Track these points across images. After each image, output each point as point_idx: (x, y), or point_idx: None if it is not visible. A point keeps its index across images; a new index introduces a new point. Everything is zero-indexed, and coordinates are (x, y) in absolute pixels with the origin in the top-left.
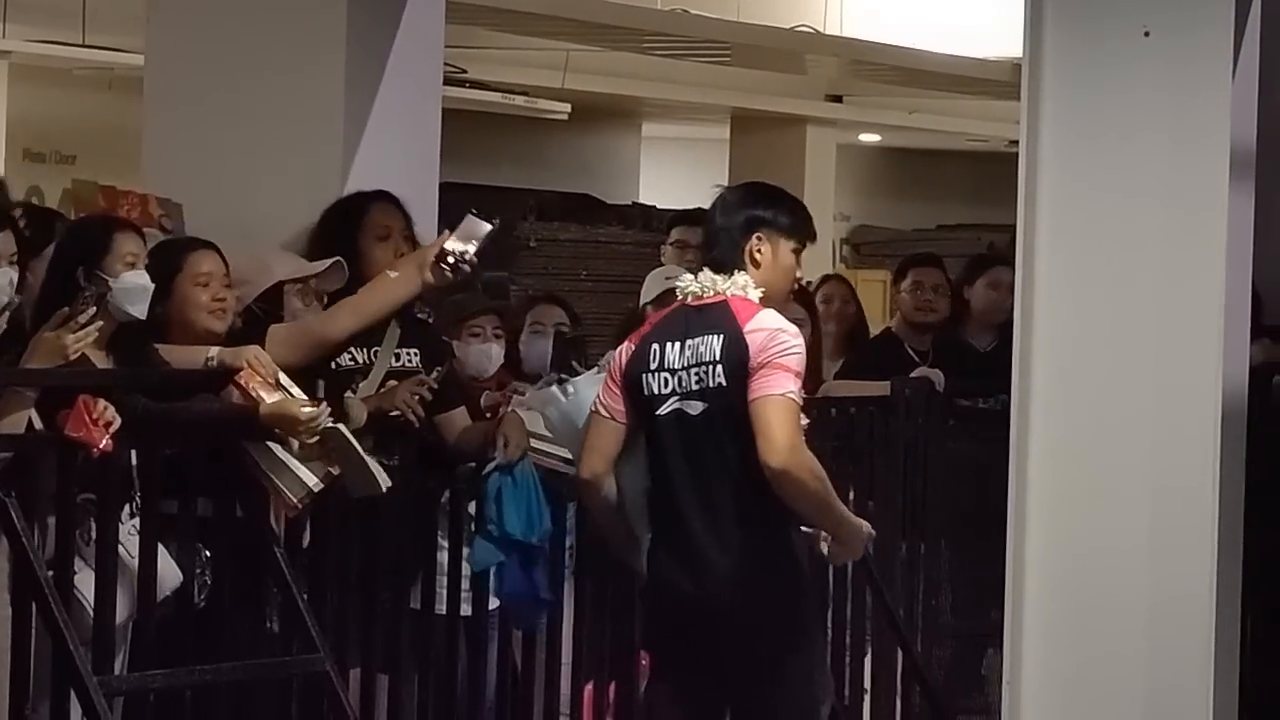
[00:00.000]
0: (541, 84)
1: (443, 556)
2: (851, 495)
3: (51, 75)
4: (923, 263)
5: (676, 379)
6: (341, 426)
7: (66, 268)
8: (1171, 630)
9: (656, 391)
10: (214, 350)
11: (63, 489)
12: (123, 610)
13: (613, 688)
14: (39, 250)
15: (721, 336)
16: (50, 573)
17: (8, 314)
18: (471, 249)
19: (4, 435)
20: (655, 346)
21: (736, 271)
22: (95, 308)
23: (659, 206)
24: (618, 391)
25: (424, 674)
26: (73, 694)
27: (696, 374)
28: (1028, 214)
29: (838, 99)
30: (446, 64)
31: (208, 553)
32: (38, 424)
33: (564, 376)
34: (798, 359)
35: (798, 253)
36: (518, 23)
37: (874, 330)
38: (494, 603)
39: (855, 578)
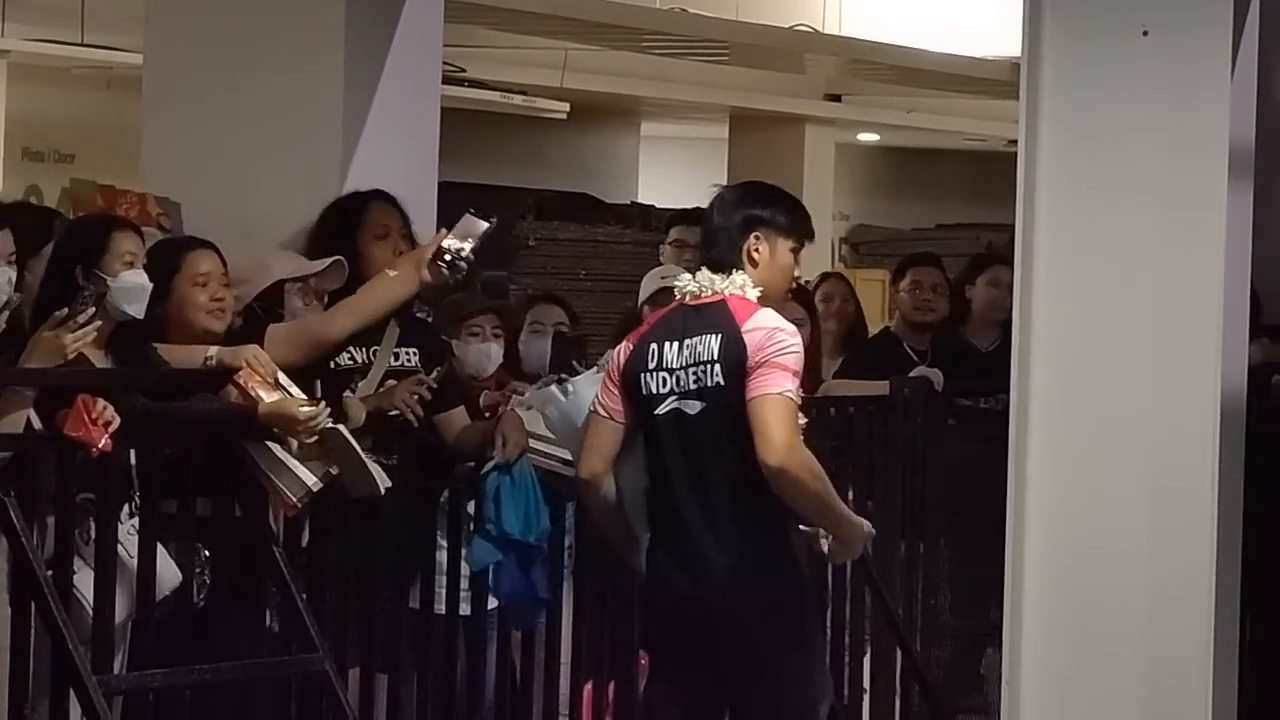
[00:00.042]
0: (540, 83)
1: (442, 556)
2: (850, 495)
3: (50, 74)
4: (921, 262)
5: (675, 378)
6: (342, 427)
7: (65, 266)
8: (1170, 630)
9: (655, 391)
10: (213, 350)
11: (62, 488)
12: (122, 610)
13: (612, 687)
14: (37, 249)
15: (719, 336)
16: (49, 572)
17: (7, 313)
18: (468, 247)
19: (3, 435)
20: (653, 346)
21: (734, 271)
22: (95, 308)
23: (658, 206)
24: (616, 391)
25: (423, 674)
26: (72, 693)
27: (694, 373)
28: (1026, 213)
29: (836, 98)
30: (445, 63)
31: (207, 552)
32: (36, 423)
33: (563, 376)
34: (795, 358)
35: (796, 252)
36: (516, 22)
37: (873, 329)
38: (493, 602)
39: (854, 577)
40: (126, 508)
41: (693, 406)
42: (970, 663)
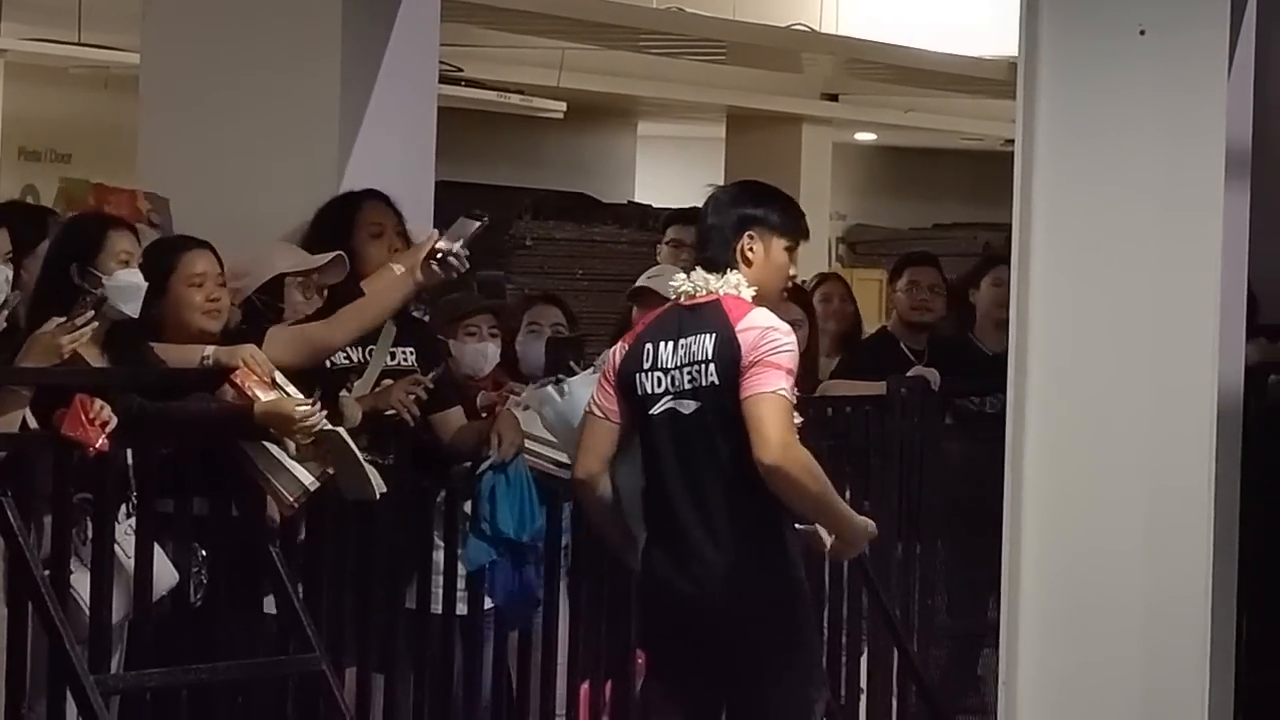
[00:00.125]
0: (537, 82)
1: (438, 556)
2: (848, 494)
3: (47, 74)
4: (919, 262)
5: (670, 378)
6: (341, 430)
7: (61, 265)
8: (1167, 630)
9: (650, 391)
10: (209, 349)
11: (59, 488)
12: (119, 609)
13: (609, 687)
14: (32, 248)
15: (714, 335)
16: (46, 572)
17: (6, 311)
18: (458, 245)
19: (0, 434)
20: (649, 346)
21: (729, 270)
22: (94, 310)
23: (655, 205)
24: (612, 391)
25: (419, 674)
26: (69, 693)
27: (689, 373)
28: (1023, 213)
29: (833, 98)
30: (442, 62)
31: (204, 552)
32: (32, 423)
33: (560, 377)
34: (789, 356)
35: (790, 251)
36: (513, 21)
37: (870, 329)
38: (489, 602)
39: (851, 577)
40: (124, 508)
41: (688, 406)
42: (967, 663)
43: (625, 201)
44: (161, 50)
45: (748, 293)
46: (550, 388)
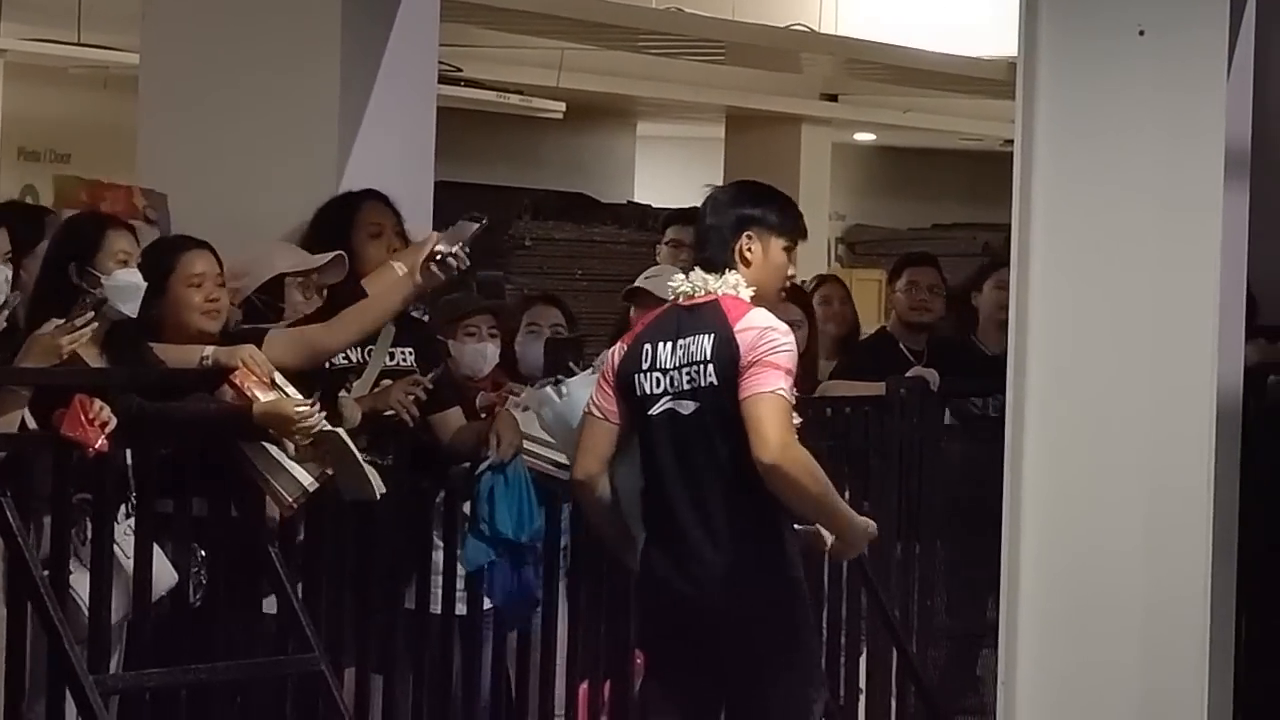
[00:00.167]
0: (536, 83)
1: (438, 556)
2: (847, 495)
3: (46, 74)
4: (918, 262)
5: (669, 379)
6: (340, 431)
7: (59, 265)
8: (1166, 630)
9: (649, 391)
10: (209, 349)
11: (58, 488)
12: (118, 610)
13: (607, 687)
14: (31, 248)
15: (712, 336)
16: (46, 572)
17: (7, 311)
18: (458, 247)
19: (0, 434)
20: (647, 347)
21: (728, 270)
22: (93, 311)
23: (654, 205)
24: (610, 392)
25: (419, 674)
26: (68, 693)
27: (688, 374)
28: (1023, 213)
29: (833, 98)
30: (441, 62)
31: (203, 552)
32: (30, 423)
33: (559, 378)
34: (788, 356)
35: (789, 251)
36: (513, 21)
37: (869, 329)
38: (489, 602)
39: (850, 578)
40: (123, 508)
41: (686, 407)
42: (966, 663)
43: (624, 202)
44: (161, 50)
45: (746, 293)
46: (549, 389)
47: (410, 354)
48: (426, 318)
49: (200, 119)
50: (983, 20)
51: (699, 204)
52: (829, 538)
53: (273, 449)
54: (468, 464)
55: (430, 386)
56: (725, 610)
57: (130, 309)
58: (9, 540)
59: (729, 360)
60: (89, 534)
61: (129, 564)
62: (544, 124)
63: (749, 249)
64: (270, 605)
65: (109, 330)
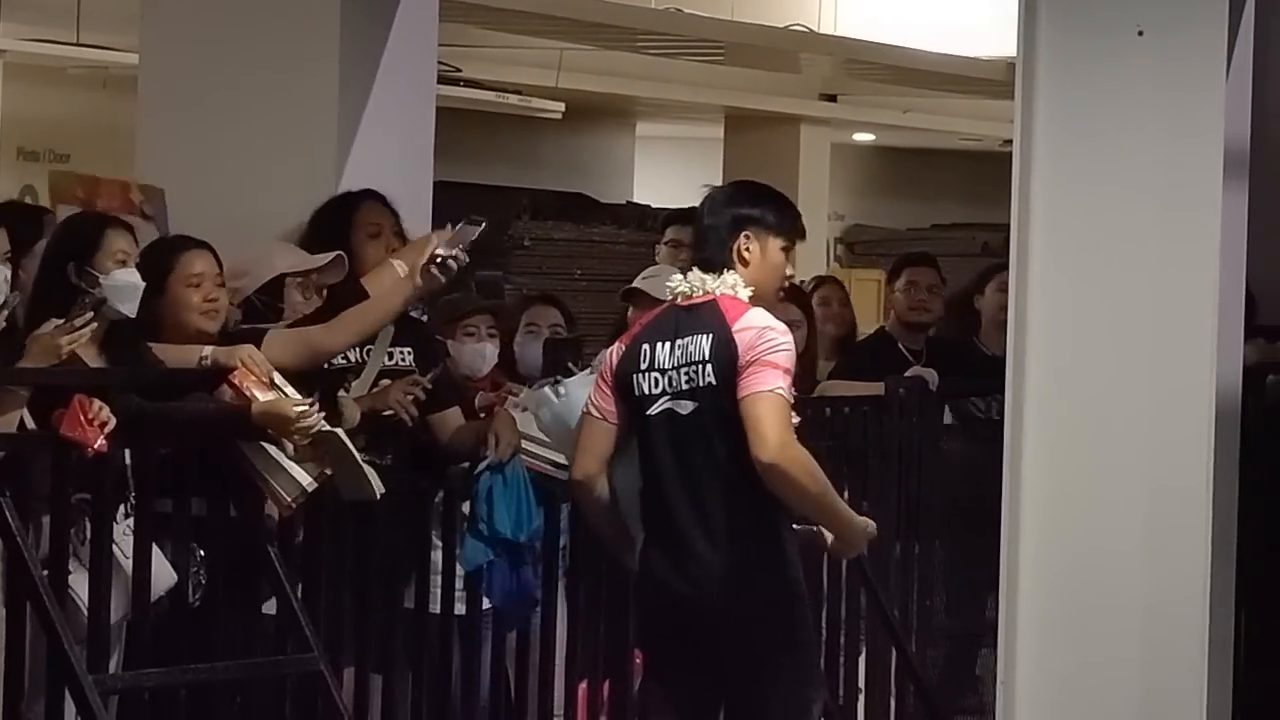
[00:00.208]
0: (535, 83)
1: (437, 556)
2: (846, 495)
3: (46, 74)
4: (917, 262)
5: (667, 379)
6: (339, 431)
7: (58, 264)
8: (1166, 630)
9: (647, 392)
10: (208, 349)
11: (57, 489)
12: (117, 610)
13: (606, 687)
14: (29, 247)
15: (711, 336)
16: (45, 572)
17: (7, 311)
18: (458, 250)
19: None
20: (645, 347)
21: (725, 271)
22: (93, 311)
23: (653, 206)
24: (609, 392)
25: (418, 673)
26: (67, 693)
27: (687, 374)
28: (1022, 213)
29: (832, 98)
30: (440, 63)
31: (202, 552)
32: (29, 423)
33: (558, 378)
34: (786, 356)
35: (787, 250)
36: (512, 21)
37: (868, 329)
38: (488, 602)
39: (850, 577)
40: (122, 508)
41: (685, 407)
42: (965, 663)
43: (623, 202)
44: (160, 50)
45: (744, 293)
46: (547, 389)
47: (409, 354)
48: (425, 317)
49: (199, 119)
50: (982, 20)
51: (698, 204)
52: (829, 537)
53: (271, 449)
54: (466, 464)
55: (429, 386)
56: (724, 610)
57: (129, 309)
58: (8, 540)
59: (727, 360)
60: (88, 534)
61: (128, 564)
62: (543, 124)
63: (747, 249)
64: (270, 606)
65: (108, 330)
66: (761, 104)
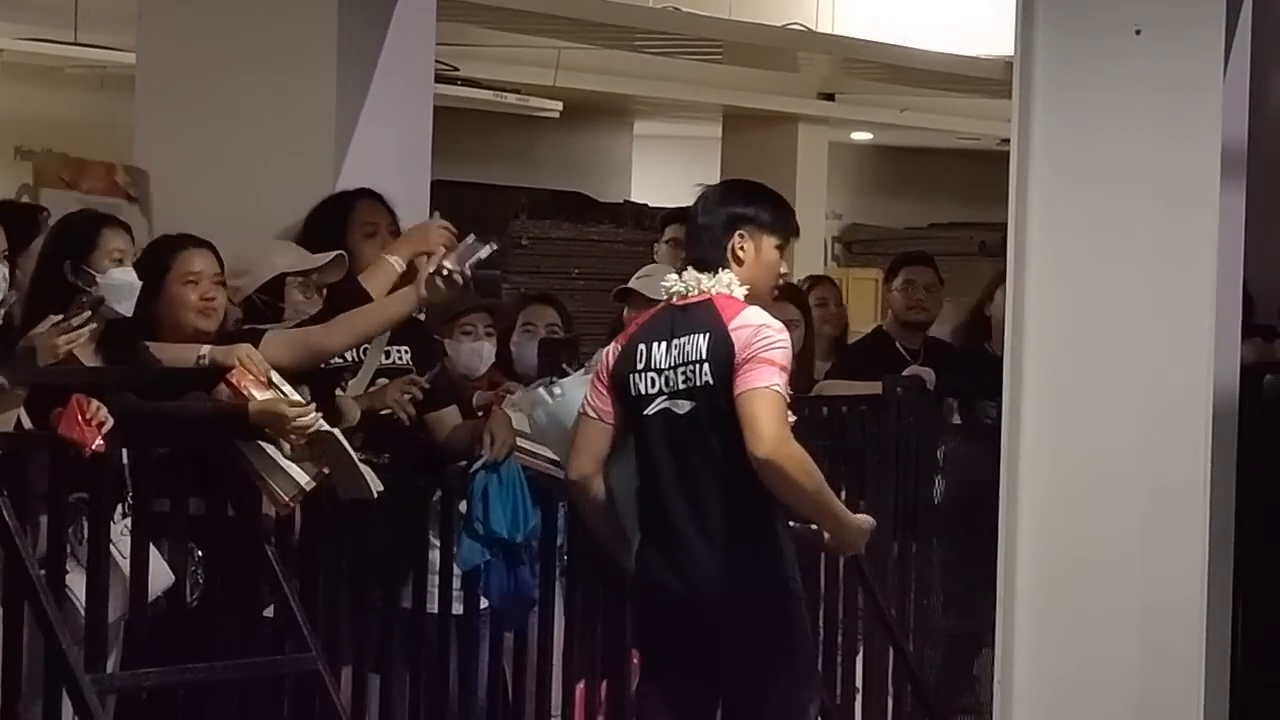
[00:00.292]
0: (533, 82)
1: (434, 555)
2: (843, 494)
3: (43, 73)
4: (915, 261)
5: (663, 378)
6: (336, 431)
7: (55, 263)
8: (1163, 630)
9: (644, 391)
10: (205, 348)
11: (54, 488)
12: (115, 609)
13: (604, 687)
14: (25, 246)
15: (707, 335)
16: (42, 572)
17: (4, 310)
18: (465, 267)
19: None
20: (641, 347)
21: (720, 270)
22: (91, 311)
23: (651, 205)
24: (605, 392)
25: (415, 673)
26: (65, 692)
27: (683, 373)
28: (1019, 212)
29: (830, 97)
30: (438, 62)
31: (200, 552)
32: (26, 423)
33: (553, 379)
34: (783, 353)
35: (781, 249)
36: (509, 20)
37: (866, 329)
38: (485, 602)
39: (847, 577)
40: (119, 507)
41: (682, 406)
42: (963, 662)
43: (621, 201)
44: (158, 50)
45: (740, 291)
46: (542, 389)
47: (406, 353)
48: (423, 316)
49: (197, 118)
50: (979, 20)
51: None
52: (827, 535)
53: (269, 448)
54: (464, 463)
55: (426, 385)
56: (720, 610)
57: (125, 308)
58: (5, 540)
59: (724, 359)
60: (85, 533)
61: (125, 563)
62: (541, 123)
63: (741, 248)
64: (269, 610)
65: (105, 329)
66: (759, 103)
